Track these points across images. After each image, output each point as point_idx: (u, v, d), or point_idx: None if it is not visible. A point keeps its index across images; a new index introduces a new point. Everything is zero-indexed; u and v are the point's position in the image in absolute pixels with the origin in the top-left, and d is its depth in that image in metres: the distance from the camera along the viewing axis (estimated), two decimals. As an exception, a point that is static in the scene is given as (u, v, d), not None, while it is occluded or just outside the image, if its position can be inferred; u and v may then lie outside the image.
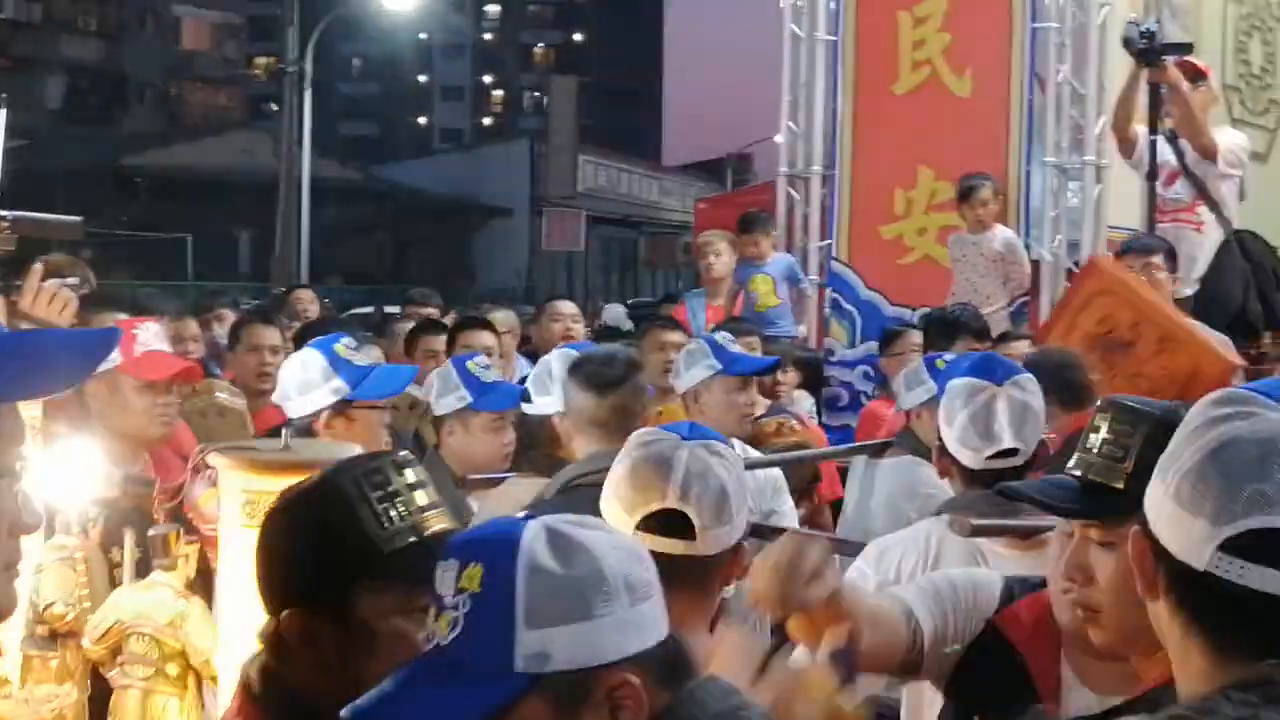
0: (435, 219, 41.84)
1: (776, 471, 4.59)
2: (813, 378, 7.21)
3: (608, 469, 2.32)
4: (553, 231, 34.79)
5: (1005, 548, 2.95)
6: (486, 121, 70.12)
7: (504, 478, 3.84)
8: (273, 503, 1.83)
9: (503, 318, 7.06)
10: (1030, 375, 3.12)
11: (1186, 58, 6.80)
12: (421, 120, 68.67)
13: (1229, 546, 1.33)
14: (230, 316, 7.13)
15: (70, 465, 2.94)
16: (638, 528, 2.13)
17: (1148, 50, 6.44)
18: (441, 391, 4.01)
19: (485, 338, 5.82)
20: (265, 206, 29.05)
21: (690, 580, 2.13)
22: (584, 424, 3.42)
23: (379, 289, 28.72)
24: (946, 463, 3.09)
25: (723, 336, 4.72)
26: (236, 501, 2.39)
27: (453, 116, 68.58)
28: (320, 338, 3.78)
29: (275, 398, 3.66)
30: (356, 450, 2.71)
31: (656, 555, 1.93)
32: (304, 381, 3.56)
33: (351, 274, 35.77)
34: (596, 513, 2.05)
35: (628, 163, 48.05)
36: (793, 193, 8.50)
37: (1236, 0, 9.36)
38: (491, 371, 4.11)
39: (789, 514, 4.43)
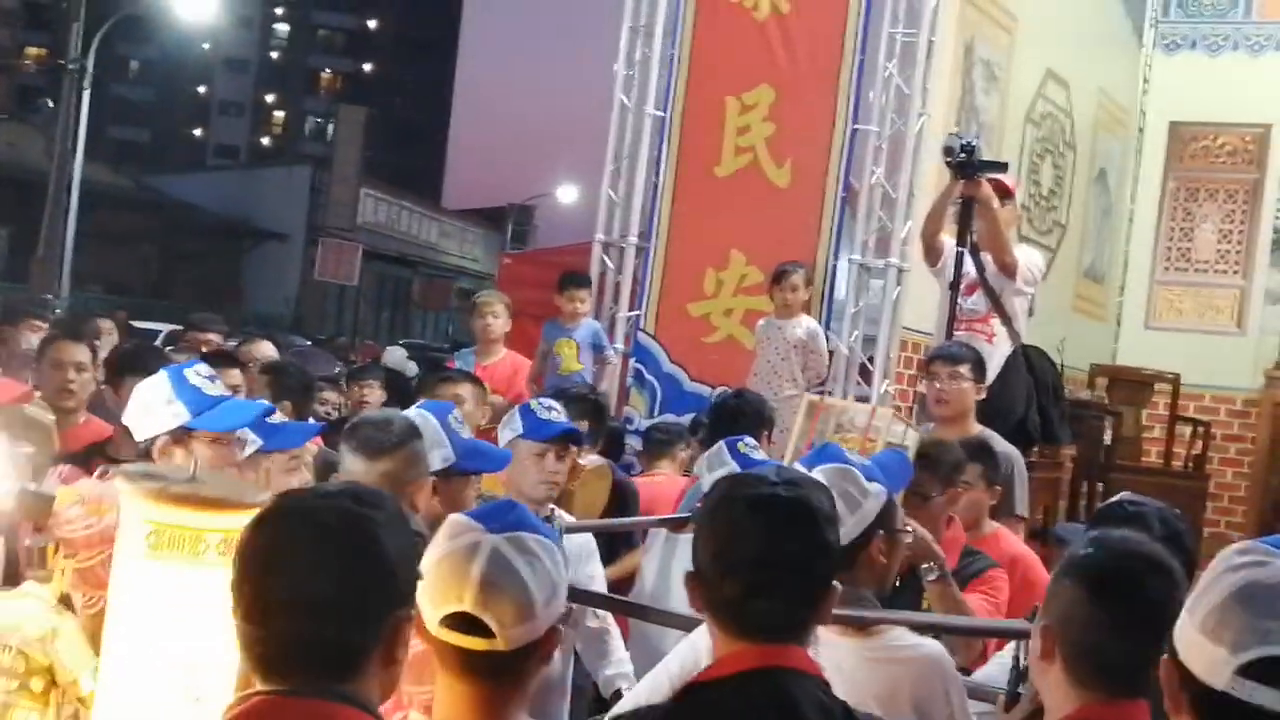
0: (206, 236, 40.60)
1: (588, 536, 4.67)
2: (614, 446, 7.26)
3: None
4: (327, 262, 34.13)
5: (838, 635, 3.00)
6: (265, 141, 68.66)
7: None
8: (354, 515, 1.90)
9: (261, 350, 7.06)
10: None
11: (996, 175, 7.09)
12: (197, 132, 66.79)
13: (1243, 671, 1.66)
14: (41, 327, 6.83)
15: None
16: (441, 623, 2.14)
17: (966, 164, 6.59)
18: None
19: (234, 376, 5.69)
20: (26, 205, 27.78)
21: (497, 671, 2.16)
22: None
23: (141, 301, 27.71)
24: None
25: (536, 403, 4.75)
26: (139, 532, 2.27)
27: (230, 132, 66.96)
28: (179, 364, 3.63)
29: (125, 418, 3.52)
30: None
31: (460, 649, 2.10)
32: (146, 403, 3.42)
33: (113, 284, 34.42)
34: None
35: (409, 200, 47.60)
36: (606, 260, 8.58)
37: (1035, 123, 9.86)
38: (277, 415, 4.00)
39: (599, 578, 4.63)
